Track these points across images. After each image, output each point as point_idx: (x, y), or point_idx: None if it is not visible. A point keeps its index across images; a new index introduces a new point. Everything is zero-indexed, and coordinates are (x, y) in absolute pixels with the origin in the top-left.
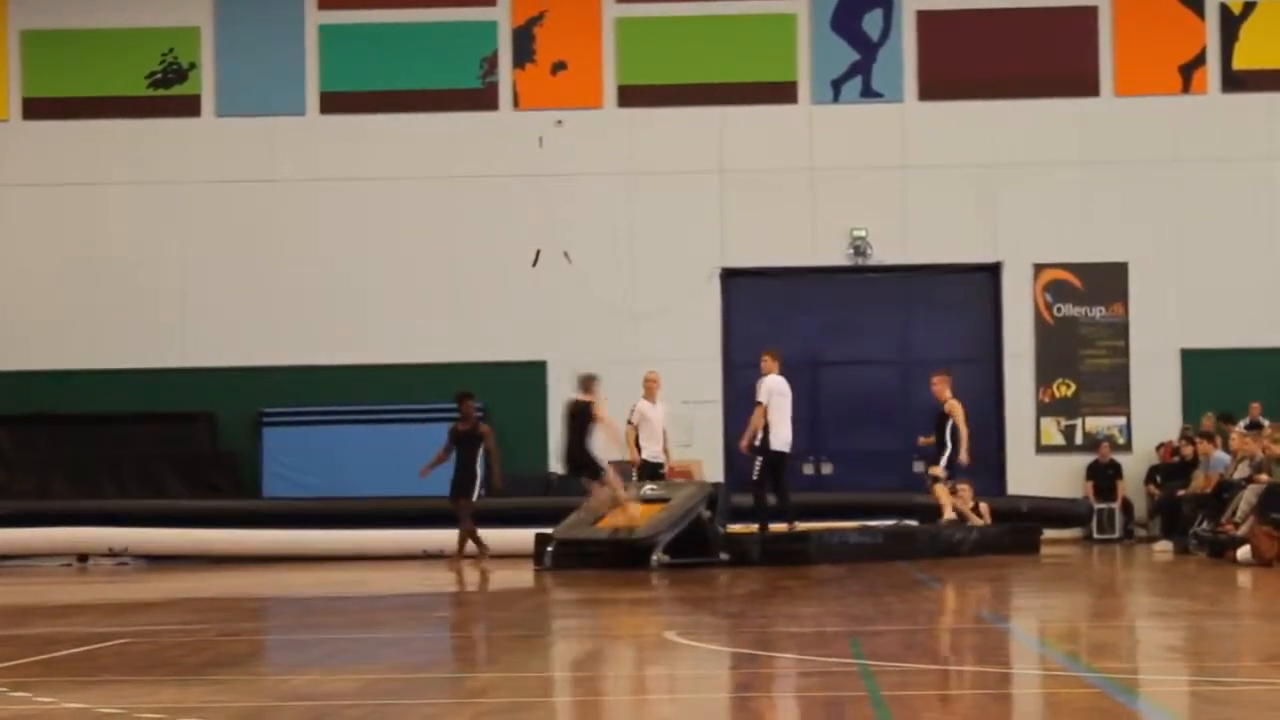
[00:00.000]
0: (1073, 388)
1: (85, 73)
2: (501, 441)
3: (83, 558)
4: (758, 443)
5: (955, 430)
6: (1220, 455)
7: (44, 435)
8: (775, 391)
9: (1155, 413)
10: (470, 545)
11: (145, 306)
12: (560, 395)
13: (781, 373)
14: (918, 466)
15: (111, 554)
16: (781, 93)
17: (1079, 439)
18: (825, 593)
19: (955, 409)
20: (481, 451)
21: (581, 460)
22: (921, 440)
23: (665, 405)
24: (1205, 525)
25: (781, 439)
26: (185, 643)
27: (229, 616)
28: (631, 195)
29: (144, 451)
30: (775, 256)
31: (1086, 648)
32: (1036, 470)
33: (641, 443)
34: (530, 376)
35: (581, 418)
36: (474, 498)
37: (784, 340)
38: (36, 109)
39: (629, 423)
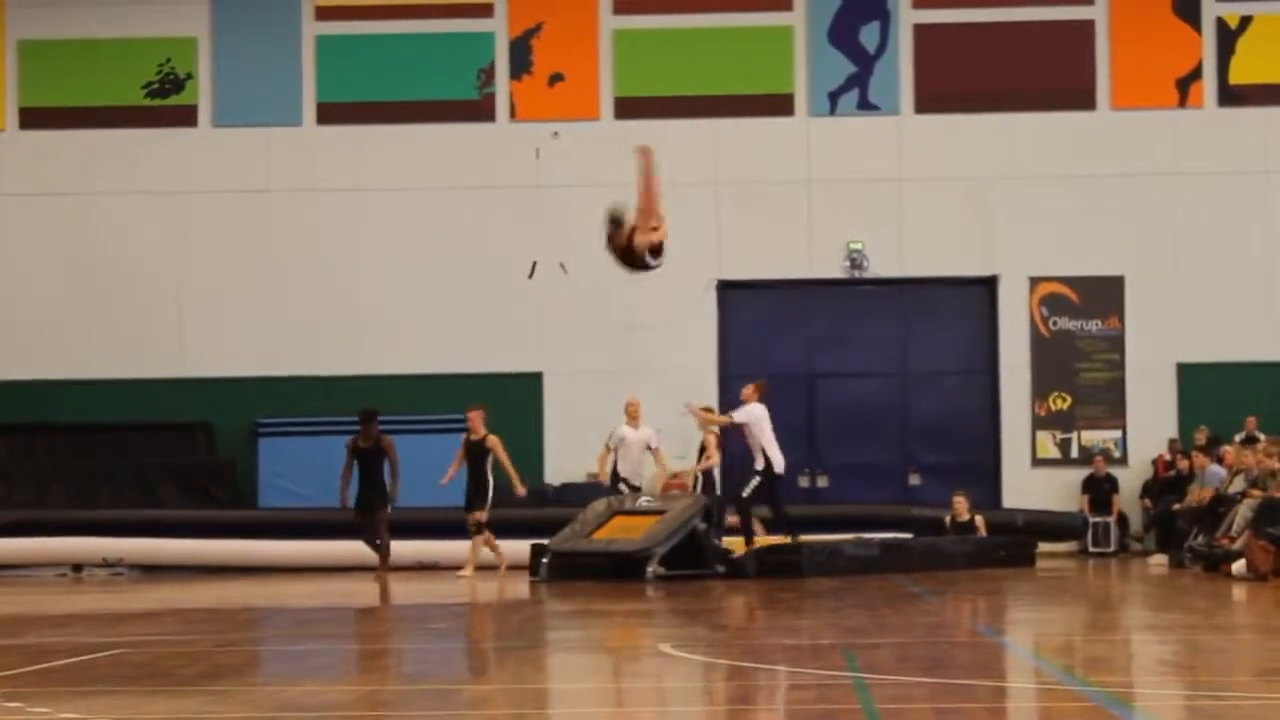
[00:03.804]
0: (1068, 401)
1: (82, 82)
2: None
3: (78, 568)
4: (759, 466)
5: (496, 465)
6: (1215, 469)
7: (40, 445)
8: (758, 417)
9: (1151, 426)
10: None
11: (142, 316)
12: (556, 406)
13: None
14: (914, 479)
15: (107, 564)
16: (778, 105)
17: (1074, 452)
18: (820, 605)
19: (495, 443)
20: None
21: None
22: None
23: (648, 429)
24: (1200, 539)
25: (776, 461)
26: (181, 653)
27: (224, 627)
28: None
29: (140, 461)
30: (772, 269)
31: (1082, 661)
32: (1032, 483)
33: (619, 466)
34: (526, 388)
35: None
36: (388, 510)
37: (780, 352)
38: (33, 119)
39: (606, 446)
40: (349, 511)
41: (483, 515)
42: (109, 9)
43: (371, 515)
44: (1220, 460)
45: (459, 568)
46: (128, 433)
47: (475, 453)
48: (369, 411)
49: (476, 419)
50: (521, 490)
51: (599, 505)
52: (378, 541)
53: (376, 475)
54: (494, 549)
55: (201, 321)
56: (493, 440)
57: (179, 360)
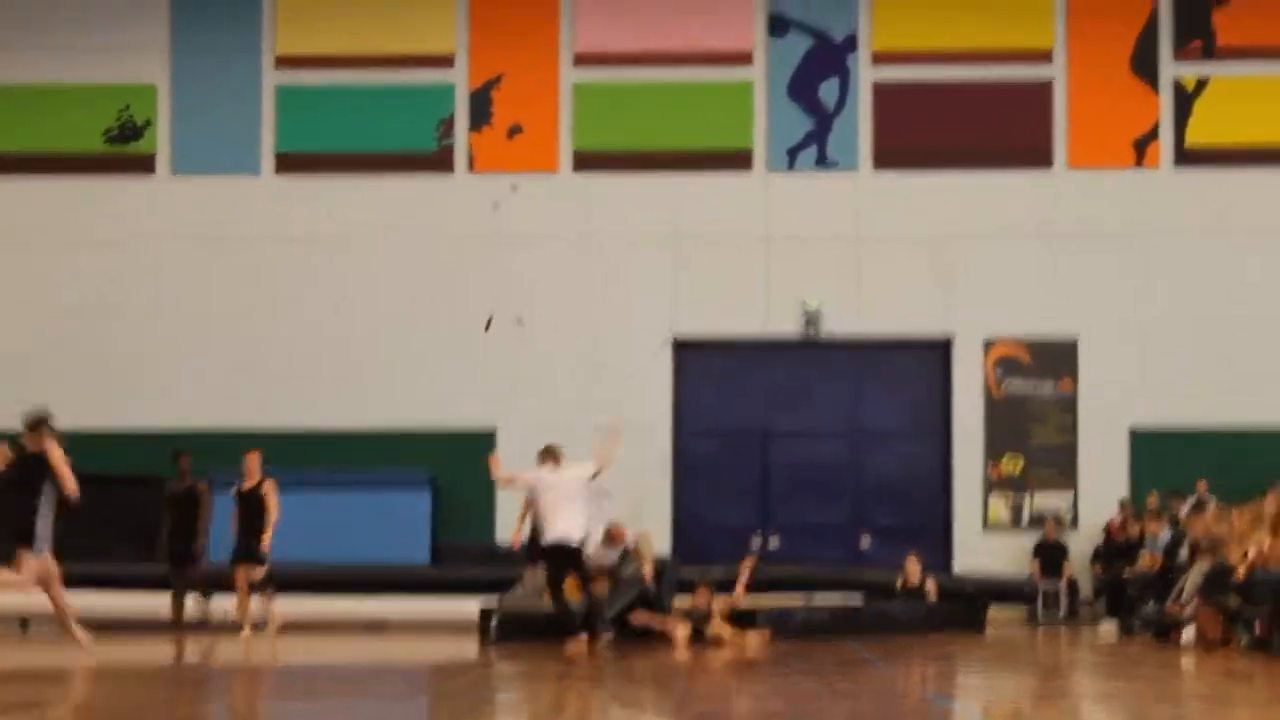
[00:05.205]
0: (1020, 464)
1: (42, 128)
2: (450, 510)
3: (23, 623)
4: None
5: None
6: (1166, 534)
7: None
8: (537, 485)
9: (1102, 491)
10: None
11: (95, 366)
12: (510, 462)
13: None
14: (865, 541)
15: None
16: (737, 160)
17: (1026, 518)
18: (770, 670)
19: (270, 489)
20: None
21: None
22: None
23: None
24: (1152, 606)
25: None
26: (130, 710)
27: (175, 685)
28: (586, 261)
29: (93, 515)
30: (728, 325)
31: None
32: (984, 546)
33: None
34: (480, 445)
35: None
36: (198, 564)
37: (734, 410)
38: None
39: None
40: (163, 564)
41: (263, 570)
42: (69, 55)
43: (180, 569)
44: (1175, 522)
45: (408, 627)
46: (80, 485)
47: (251, 501)
48: (177, 452)
49: (253, 462)
50: (266, 548)
51: None
52: (190, 593)
53: (186, 525)
54: (270, 605)
55: (154, 372)
56: (268, 485)
57: (134, 411)
